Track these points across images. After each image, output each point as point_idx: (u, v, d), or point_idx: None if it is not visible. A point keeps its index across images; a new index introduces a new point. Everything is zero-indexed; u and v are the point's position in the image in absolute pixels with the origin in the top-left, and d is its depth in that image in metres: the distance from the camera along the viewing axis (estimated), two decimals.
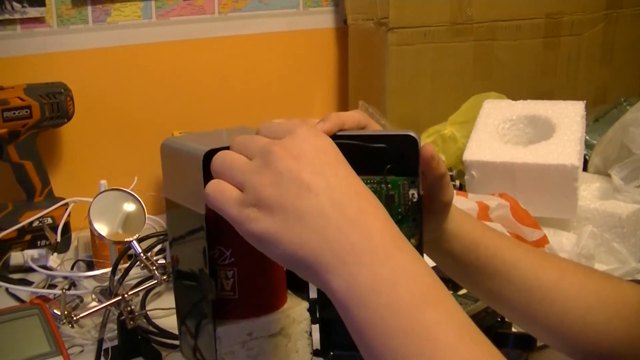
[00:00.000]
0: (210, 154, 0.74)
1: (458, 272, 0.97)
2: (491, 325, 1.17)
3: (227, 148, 0.75)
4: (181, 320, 0.89)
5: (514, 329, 1.18)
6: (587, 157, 1.73)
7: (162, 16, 1.78)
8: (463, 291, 1.19)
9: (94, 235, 1.44)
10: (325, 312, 0.88)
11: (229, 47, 1.90)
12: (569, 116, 1.50)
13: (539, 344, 1.15)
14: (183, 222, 0.83)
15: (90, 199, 1.47)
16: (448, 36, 1.88)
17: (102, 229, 1.17)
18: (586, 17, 2.08)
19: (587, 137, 1.76)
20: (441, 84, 1.90)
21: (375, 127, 0.86)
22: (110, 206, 1.20)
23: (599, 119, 1.87)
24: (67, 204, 1.60)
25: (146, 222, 1.21)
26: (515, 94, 1.75)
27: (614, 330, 0.92)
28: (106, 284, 1.30)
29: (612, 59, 2.22)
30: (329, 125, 0.78)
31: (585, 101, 1.58)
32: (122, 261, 1.25)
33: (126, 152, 1.81)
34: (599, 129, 1.80)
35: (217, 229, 0.78)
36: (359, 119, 0.82)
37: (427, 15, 1.84)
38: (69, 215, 1.60)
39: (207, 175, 0.74)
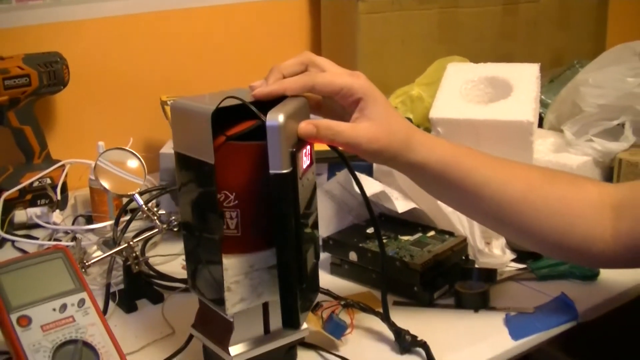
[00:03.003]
0: (215, 113, 0.87)
1: (432, 190, 1.10)
2: (457, 262, 1.29)
3: (226, 108, 0.89)
4: (190, 260, 1.01)
5: (476, 265, 1.31)
6: (542, 114, 1.83)
7: None
8: (431, 233, 1.33)
9: (94, 192, 1.55)
10: None
11: (211, 16, 1.97)
12: (525, 77, 1.59)
13: (498, 277, 1.30)
14: (192, 173, 0.95)
15: (86, 160, 1.59)
16: (414, 4, 1.96)
17: (107, 184, 1.29)
18: None
19: (542, 97, 1.87)
20: (409, 49, 1.98)
21: (319, 63, 1.00)
22: (113, 164, 1.30)
23: (554, 80, 1.96)
24: (63, 165, 1.69)
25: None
26: (477, 57, 1.83)
27: (577, 228, 1.06)
28: (108, 235, 1.42)
29: (568, 23, 2.32)
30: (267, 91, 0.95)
31: (539, 63, 1.67)
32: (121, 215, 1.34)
33: (118, 116, 1.88)
34: (554, 89, 1.88)
35: (223, 175, 0.90)
36: (299, 77, 0.98)
37: None
38: (66, 176, 1.68)
39: (215, 130, 0.88)
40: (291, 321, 0.93)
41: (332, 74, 0.99)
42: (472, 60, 1.82)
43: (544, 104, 1.84)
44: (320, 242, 1.31)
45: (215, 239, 0.93)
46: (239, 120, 0.92)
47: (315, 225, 1.00)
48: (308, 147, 0.95)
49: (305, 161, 0.93)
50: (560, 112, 1.73)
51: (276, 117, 0.87)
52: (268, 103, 0.93)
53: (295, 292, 0.92)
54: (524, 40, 2.23)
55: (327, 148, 1.04)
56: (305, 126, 0.94)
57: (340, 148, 0.99)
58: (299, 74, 0.99)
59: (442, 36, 2.05)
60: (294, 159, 0.88)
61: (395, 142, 1.00)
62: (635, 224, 1.03)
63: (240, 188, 0.92)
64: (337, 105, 1.02)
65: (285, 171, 0.88)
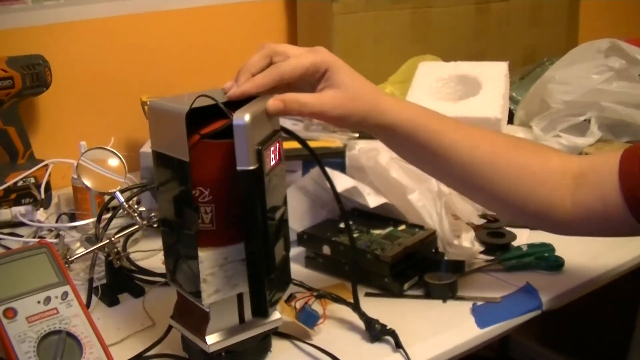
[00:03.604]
0: (190, 113, 0.92)
1: (402, 152, 1.15)
2: (426, 254, 1.34)
3: (202, 107, 0.94)
4: (168, 255, 1.05)
5: (445, 257, 1.36)
6: (513, 111, 1.89)
7: None
8: (402, 226, 1.38)
9: (77, 190, 1.59)
10: None
11: (190, 18, 2.00)
12: (493, 75, 1.64)
13: (467, 269, 1.35)
14: (168, 170, 0.99)
15: (69, 160, 1.62)
16: (388, 4, 2.00)
17: (89, 182, 1.33)
18: None
19: (513, 94, 1.92)
20: (382, 48, 2.02)
21: (281, 50, 1.05)
22: (94, 163, 1.34)
23: (524, 77, 2.02)
24: (47, 165, 1.71)
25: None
26: (450, 56, 1.87)
27: (539, 195, 1.12)
28: (90, 232, 1.46)
29: (540, 22, 2.36)
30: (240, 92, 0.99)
31: (508, 62, 1.73)
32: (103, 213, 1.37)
33: (100, 116, 1.90)
34: (524, 86, 1.94)
35: (198, 172, 0.95)
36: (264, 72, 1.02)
37: None
38: (49, 175, 1.70)
39: (189, 130, 0.92)
40: (260, 310, 0.98)
41: (296, 58, 1.04)
42: (445, 59, 1.87)
43: (514, 101, 1.90)
44: (295, 237, 1.36)
45: (191, 233, 0.97)
46: (214, 119, 0.97)
47: (284, 219, 1.04)
48: (277, 144, 0.99)
49: (273, 158, 0.97)
50: (529, 109, 1.78)
51: (242, 117, 0.91)
52: (242, 102, 0.97)
53: (263, 282, 0.96)
54: (496, 39, 2.26)
55: (300, 146, 1.10)
56: (272, 102, 0.98)
57: (310, 118, 1.04)
58: (266, 69, 1.03)
59: (415, 35, 2.08)
60: (260, 156, 0.92)
61: (362, 105, 1.05)
62: (593, 193, 1.09)
63: (214, 184, 0.96)
64: (306, 84, 1.06)
65: (251, 167, 0.92)
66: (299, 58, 1.04)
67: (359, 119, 1.06)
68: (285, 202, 1.04)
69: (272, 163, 0.97)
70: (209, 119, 0.96)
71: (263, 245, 0.95)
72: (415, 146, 1.11)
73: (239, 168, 0.92)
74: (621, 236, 1.15)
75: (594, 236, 1.18)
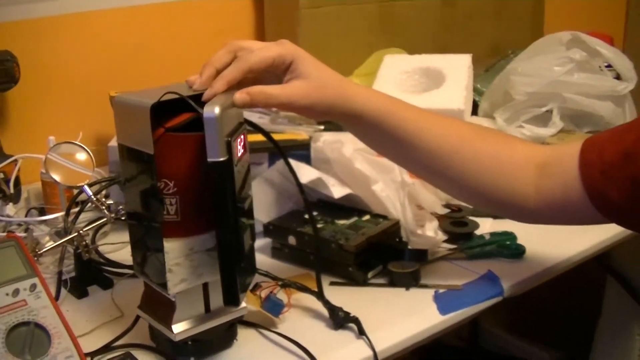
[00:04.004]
0: (155, 106, 0.94)
1: (369, 141, 1.18)
2: (390, 244, 1.37)
3: (167, 101, 0.96)
4: (135, 246, 1.08)
5: (409, 246, 1.38)
6: (478, 102, 1.92)
7: None
8: (366, 217, 1.40)
9: (46, 185, 1.60)
10: None
11: (158, 14, 2.01)
12: (456, 67, 1.67)
13: (431, 257, 1.38)
14: (134, 163, 1.01)
15: (37, 155, 1.63)
16: None
17: (57, 176, 1.35)
18: None
19: (478, 86, 1.95)
20: (349, 42, 2.03)
21: (246, 45, 1.07)
22: (63, 157, 1.36)
23: (489, 70, 2.04)
24: (16, 160, 1.70)
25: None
26: (417, 49, 1.90)
27: (503, 184, 1.15)
28: (60, 226, 1.47)
29: (505, 15, 2.40)
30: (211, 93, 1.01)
31: (471, 54, 1.76)
32: (71, 206, 1.39)
33: (68, 111, 1.91)
34: (489, 78, 1.96)
35: (163, 165, 0.97)
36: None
37: None
38: (18, 170, 1.70)
39: (154, 123, 0.95)
40: (231, 299, 1.00)
41: (261, 51, 1.06)
42: (412, 52, 1.89)
43: (479, 93, 1.93)
44: (261, 228, 1.39)
45: (157, 224, 1.00)
46: (178, 113, 0.99)
47: (250, 210, 1.06)
48: (242, 136, 1.01)
49: (239, 149, 0.99)
50: (493, 100, 1.81)
51: (213, 110, 0.93)
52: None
53: (235, 271, 0.98)
54: (462, 32, 2.29)
55: (266, 139, 1.12)
56: (239, 95, 1.00)
57: (278, 109, 1.07)
58: (231, 63, 1.05)
59: (382, 29, 2.10)
60: (229, 148, 0.94)
61: (329, 95, 1.08)
62: (556, 183, 1.11)
63: (178, 176, 0.98)
64: (272, 76, 1.08)
65: (222, 159, 0.94)
66: (265, 50, 1.06)
67: (325, 108, 1.08)
68: (250, 193, 1.07)
69: (239, 154, 0.99)
70: (173, 112, 0.99)
71: (234, 235, 0.98)
72: (382, 134, 1.13)
73: (209, 160, 0.94)
74: (583, 224, 1.17)
75: (558, 224, 1.20)
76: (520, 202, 1.15)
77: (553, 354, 2.60)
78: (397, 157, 1.21)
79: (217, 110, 0.93)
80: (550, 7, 2.56)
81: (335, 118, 1.13)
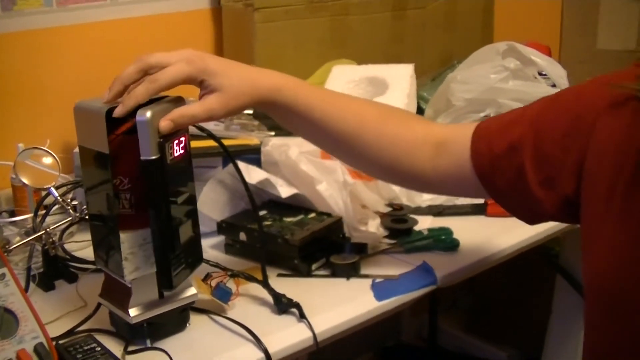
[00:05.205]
0: (109, 111, 1.07)
1: (288, 126, 1.29)
2: (333, 239, 1.48)
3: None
4: (95, 238, 1.19)
5: (351, 241, 1.50)
6: (424, 109, 2.02)
7: (62, 4, 1.97)
8: (312, 215, 1.51)
9: (16, 189, 1.70)
10: None
11: (119, 29, 2.08)
12: (399, 76, 1.77)
13: (371, 251, 1.49)
14: (92, 163, 1.13)
15: (7, 162, 1.72)
16: (307, 13, 2.10)
17: (26, 179, 1.46)
18: None
19: (424, 94, 2.05)
20: (303, 54, 2.12)
21: (154, 63, 1.14)
22: (31, 161, 1.47)
23: (435, 79, 2.12)
24: None
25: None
26: (368, 60, 1.98)
27: (403, 162, 1.26)
28: (29, 226, 1.57)
29: (455, 27, 2.49)
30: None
31: (413, 64, 1.85)
32: (40, 209, 1.49)
33: (36, 119, 1.98)
34: (435, 87, 2.03)
35: (118, 163, 1.09)
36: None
37: None
38: None
39: (109, 127, 1.07)
40: (166, 283, 1.13)
41: (170, 72, 1.12)
42: (363, 63, 1.99)
43: (425, 100, 2.02)
44: (215, 226, 1.51)
45: (113, 217, 1.11)
46: (131, 117, 1.10)
47: (191, 203, 1.17)
48: (183, 138, 1.12)
49: (177, 150, 1.11)
50: (437, 107, 1.90)
51: (144, 114, 1.06)
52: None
53: (167, 257, 1.10)
54: (413, 44, 2.38)
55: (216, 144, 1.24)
56: (163, 124, 1.08)
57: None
58: (139, 81, 1.13)
59: (334, 42, 2.19)
60: (162, 148, 1.07)
61: (244, 99, 1.17)
62: (451, 161, 1.23)
63: (131, 174, 1.10)
64: None
65: (153, 157, 1.06)
66: (174, 72, 1.12)
67: (243, 108, 1.19)
68: (192, 189, 1.18)
69: (177, 154, 1.11)
70: (127, 117, 1.10)
71: (165, 225, 1.09)
72: (293, 120, 1.25)
73: (142, 158, 1.06)
74: (478, 198, 1.36)
75: (457, 196, 1.41)
76: (420, 177, 1.26)
77: (509, 352, 2.71)
78: (309, 138, 1.31)
79: (148, 114, 1.06)
80: (500, 19, 2.66)
81: (259, 110, 1.27)
